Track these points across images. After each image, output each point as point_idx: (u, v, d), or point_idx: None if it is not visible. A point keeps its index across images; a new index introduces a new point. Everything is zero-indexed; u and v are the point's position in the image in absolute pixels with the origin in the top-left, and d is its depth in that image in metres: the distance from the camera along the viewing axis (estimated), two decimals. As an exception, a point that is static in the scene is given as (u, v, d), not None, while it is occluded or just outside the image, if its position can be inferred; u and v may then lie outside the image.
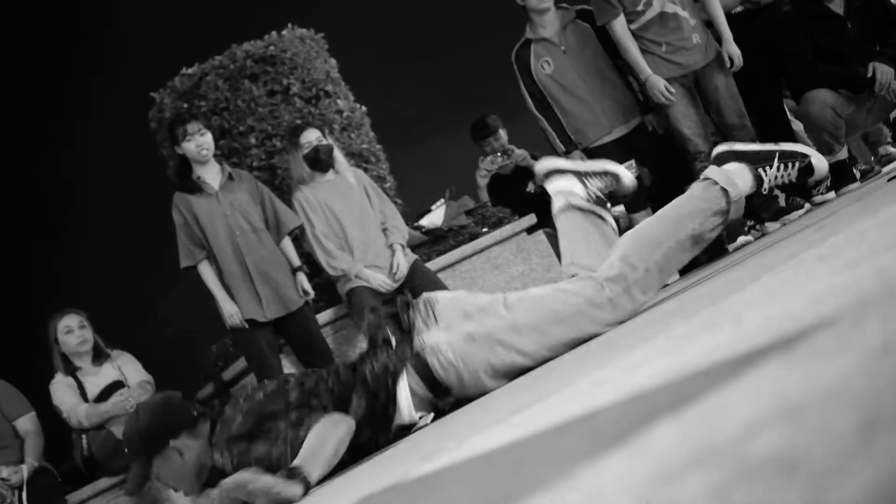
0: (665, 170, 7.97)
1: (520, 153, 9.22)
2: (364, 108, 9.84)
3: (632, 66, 7.46)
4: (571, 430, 1.35)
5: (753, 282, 2.35)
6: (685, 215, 3.82)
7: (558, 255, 8.23)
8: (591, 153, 7.57)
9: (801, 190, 7.61)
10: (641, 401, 1.29)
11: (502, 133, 9.38)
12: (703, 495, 0.69)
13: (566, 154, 7.56)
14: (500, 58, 7.99)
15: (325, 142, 7.66)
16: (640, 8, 7.33)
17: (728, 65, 7.31)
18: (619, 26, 7.38)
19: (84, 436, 7.46)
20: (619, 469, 0.89)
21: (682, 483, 0.74)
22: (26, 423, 7.23)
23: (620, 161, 7.59)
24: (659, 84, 7.25)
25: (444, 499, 1.35)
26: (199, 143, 7.29)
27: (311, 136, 7.65)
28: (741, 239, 7.20)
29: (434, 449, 2.39)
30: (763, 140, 7.67)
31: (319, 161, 7.59)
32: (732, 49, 7.30)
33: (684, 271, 7.69)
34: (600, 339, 3.53)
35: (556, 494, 0.91)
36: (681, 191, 7.67)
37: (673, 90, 7.28)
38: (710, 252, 7.69)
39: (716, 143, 8.01)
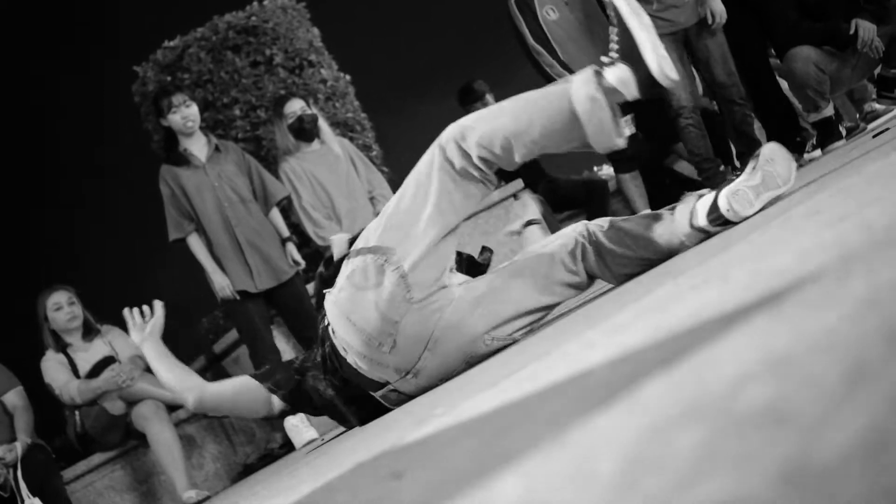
0: (650, 127, 7.99)
1: (507, 119, 9.21)
2: (348, 77, 9.82)
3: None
4: (562, 392, 1.35)
5: (740, 239, 2.36)
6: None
7: (546, 221, 8.24)
8: None
9: (795, 146, 7.62)
10: (630, 360, 1.30)
11: (489, 98, 9.35)
12: (692, 449, 0.70)
13: None
14: (484, 23, 7.96)
15: (309, 111, 7.63)
16: None
17: (710, 21, 7.29)
18: None
19: (77, 412, 7.46)
20: (609, 427, 0.89)
21: (672, 438, 0.74)
22: (14, 397, 7.22)
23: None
24: None
25: (438, 462, 1.35)
26: (185, 114, 7.27)
27: (296, 106, 7.63)
28: None
29: (425, 416, 2.40)
30: (753, 98, 7.67)
31: (304, 131, 7.57)
32: (715, 5, 7.27)
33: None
34: (589, 300, 3.53)
35: (547, 454, 0.91)
36: (665, 149, 7.64)
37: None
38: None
39: (705, 105, 8.02)
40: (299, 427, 7.03)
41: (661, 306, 1.79)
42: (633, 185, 7.97)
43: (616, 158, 7.93)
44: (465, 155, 3.49)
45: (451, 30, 19.10)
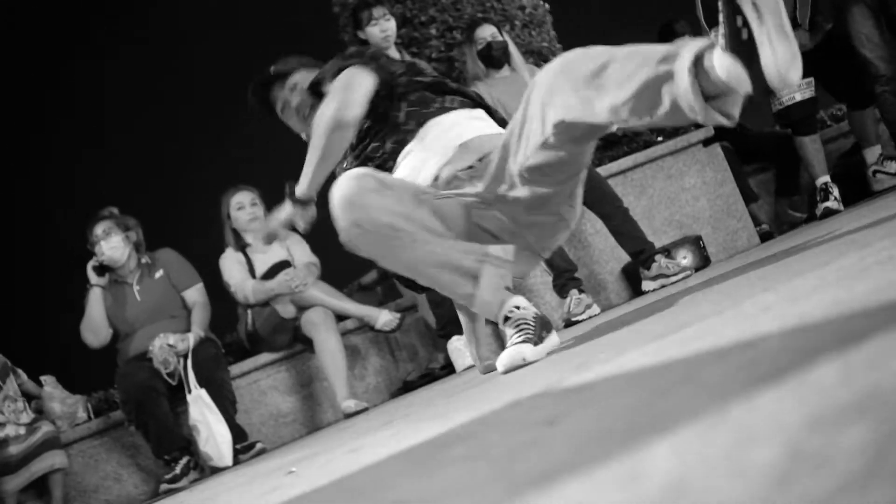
0: (842, 89, 7.74)
1: (706, 62, 9.02)
2: (547, 6, 9.71)
3: None
4: (727, 359, 1.31)
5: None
6: None
7: (733, 171, 8.07)
8: None
9: None
10: (804, 334, 1.25)
11: (689, 40, 9.15)
12: (860, 449, 0.66)
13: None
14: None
15: (499, 38, 7.56)
16: None
17: None
18: None
19: (249, 311, 7.65)
20: (772, 409, 0.85)
21: (839, 432, 0.70)
22: (194, 294, 7.42)
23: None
24: None
25: (592, 414, 1.33)
26: (384, 27, 7.32)
27: (486, 33, 7.57)
28: None
29: (588, 359, 2.38)
30: None
31: (492, 58, 7.51)
32: None
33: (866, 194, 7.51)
34: (770, 260, 3.44)
35: (704, 430, 0.88)
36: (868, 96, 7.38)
37: None
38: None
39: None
40: (462, 350, 7.08)
41: (843, 279, 1.73)
42: (813, 149, 7.74)
43: (795, 121, 7.71)
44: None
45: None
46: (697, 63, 2.78)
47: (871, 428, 0.68)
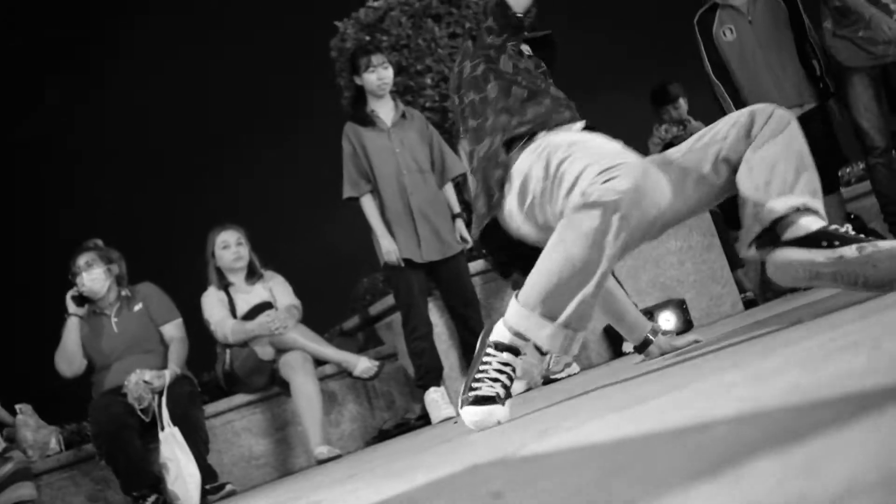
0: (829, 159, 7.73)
1: (696, 125, 9.06)
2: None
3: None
4: (678, 441, 1.30)
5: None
6: None
7: (720, 235, 8.08)
8: None
9: None
10: (756, 422, 1.23)
11: (682, 102, 9.20)
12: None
13: None
14: (689, 22, 7.84)
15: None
16: None
17: None
18: None
19: (228, 350, 7.60)
20: (704, 508, 0.84)
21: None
22: (173, 329, 7.37)
23: None
24: None
25: (540, 491, 1.32)
26: (382, 76, 7.34)
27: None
28: None
29: (552, 426, 2.37)
30: None
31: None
32: None
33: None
34: (746, 330, 3.45)
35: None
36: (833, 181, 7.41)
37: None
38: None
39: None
40: (438, 402, 7.07)
41: (807, 362, 1.72)
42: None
43: None
44: None
45: (654, 23, 18.86)
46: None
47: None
